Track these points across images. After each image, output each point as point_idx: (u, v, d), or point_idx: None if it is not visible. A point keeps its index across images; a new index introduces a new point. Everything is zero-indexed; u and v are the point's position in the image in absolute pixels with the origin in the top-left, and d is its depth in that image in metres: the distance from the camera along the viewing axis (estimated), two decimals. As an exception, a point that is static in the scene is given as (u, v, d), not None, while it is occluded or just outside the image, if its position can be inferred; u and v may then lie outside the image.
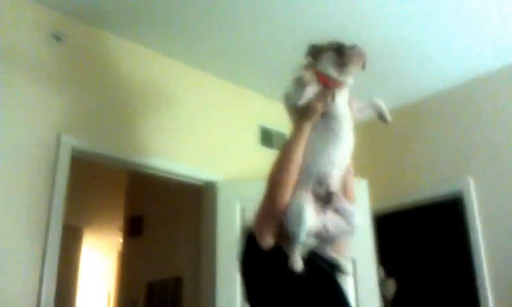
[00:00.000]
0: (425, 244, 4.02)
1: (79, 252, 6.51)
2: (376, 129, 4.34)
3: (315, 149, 1.97)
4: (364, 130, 4.41)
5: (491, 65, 3.64)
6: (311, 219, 1.86)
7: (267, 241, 1.76)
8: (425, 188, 3.87)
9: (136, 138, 3.20)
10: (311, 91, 2.00)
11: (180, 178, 3.41)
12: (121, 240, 5.63)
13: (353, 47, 2.05)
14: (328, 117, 2.00)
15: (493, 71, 3.67)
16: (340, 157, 2.05)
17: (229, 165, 3.60)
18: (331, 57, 2.08)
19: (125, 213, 5.45)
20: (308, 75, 2.05)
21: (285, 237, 1.81)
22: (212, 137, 3.59)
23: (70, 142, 2.85)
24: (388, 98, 4.25)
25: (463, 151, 3.75)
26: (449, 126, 3.88)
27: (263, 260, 1.77)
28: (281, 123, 4.09)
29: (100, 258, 7.19)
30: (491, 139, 3.62)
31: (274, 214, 1.78)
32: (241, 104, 3.90)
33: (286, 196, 1.81)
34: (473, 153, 3.69)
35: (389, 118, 2.17)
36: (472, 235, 3.53)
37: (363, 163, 4.28)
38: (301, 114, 1.95)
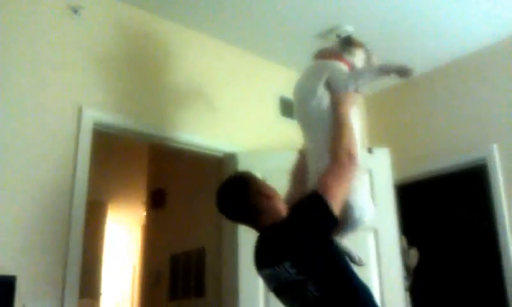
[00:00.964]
0: (449, 213, 3.98)
1: (104, 225, 6.62)
2: (397, 97, 4.29)
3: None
4: (386, 98, 4.38)
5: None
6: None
7: (337, 211, 1.75)
8: (448, 156, 3.80)
9: (156, 111, 3.20)
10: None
11: (201, 150, 3.42)
12: (144, 213, 5.70)
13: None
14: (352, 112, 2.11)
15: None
16: None
17: (249, 137, 3.59)
18: (362, 58, 2.26)
19: (148, 186, 5.51)
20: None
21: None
22: (233, 108, 3.58)
23: (92, 115, 2.86)
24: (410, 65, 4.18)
25: (487, 117, 3.67)
26: (473, 92, 3.79)
27: (333, 226, 1.77)
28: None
29: (125, 231, 7.31)
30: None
31: (346, 186, 1.80)
32: (261, 75, 3.87)
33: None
34: (498, 119, 3.61)
35: None
36: (497, 203, 3.48)
37: (385, 131, 4.25)
38: (345, 100, 2.04)
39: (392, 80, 4.13)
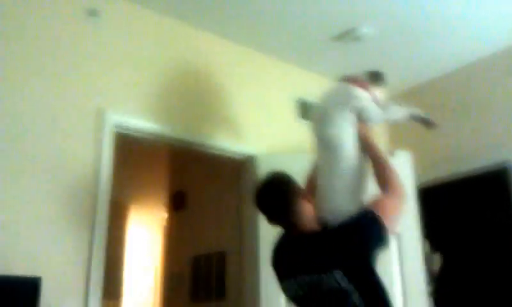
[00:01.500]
0: (472, 216, 3.91)
1: (125, 227, 6.67)
2: (420, 98, 4.24)
3: None
4: (408, 100, 4.33)
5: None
6: None
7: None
8: (471, 159, 3.76)
9: (177, 114, 3.22)
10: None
11: (222, 153, 3.43)
12: (165, 215, 5.73)
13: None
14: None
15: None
16: None
17: (269, 139, 3.59)
18: (381, 95, 2.39)
19: (169, 188, 5.55)
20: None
21: None
22: (252, 110, 3.59)
23: (114, 118, 2.90)
24: (432, 66, 4.19)
25: (509, 119, 3.61)
26: (495, 94, 3.74)
27: (386, 246, 1.85)
28: (319, 94, 4.05)
29: (146, 232, 7.36)
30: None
31: (398, 215, 1.93)
32: (280, 77, 3.87)
33: None
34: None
35: None
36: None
37: (407, 135, 4.20)
38: (368, 131, 2.20)
39: (414, 79, 4.13)
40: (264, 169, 3.32)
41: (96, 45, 2.97)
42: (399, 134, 4.28)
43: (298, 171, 2.40)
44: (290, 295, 1.91)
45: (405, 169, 3.45)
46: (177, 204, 5.23)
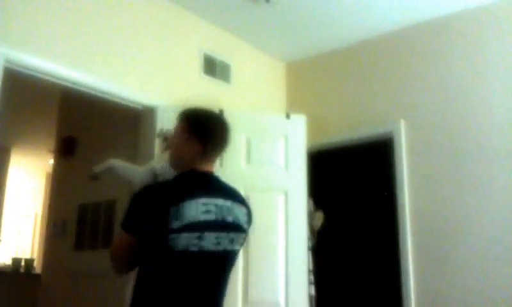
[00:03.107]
0: (356, 182, 4.21)
1: (6, 172, 6.30)
2: (317, 67, 4.43)
3: None
4: (306, 67, 4.52)
5: (430, 12, 3.74)
6: None
7: None
8: (360, 128, 4.01)
9: (76, 54, 3.04)
10: None
11: (118, 100, 3.32)
12: (51, 160, 5.49)
13: None
14: None
15: (431, 19, 3.79)
16: None
17: (170, 92, 3.54)
18: None
19: (58, 132, 5.30)
20: None
21: None
22: (154, 60, 3.50)
23: (3, 51, 2.69)
24: (328, 39, 4.36)
25: (398, 93, 3.89)
26: (387, 69, 3.99)
27: None
28: (226, 53, 4.07)
29: (29, 178, 6.99)
30: (425, 83, 3.76)
31: None
32: (189, 30, 3.81)
33: None
34: (407, 96, 3.83)
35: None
36: (398, 176, 3.73)
37: (303, 99, 4.39)
38: None
39: (317, 47, 4.28)
40: (163, 121, 3.29)
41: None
42: (296, 98, 4.45)
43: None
44: (190, 217, 1.75)
45: (298, 132, 3.63)
46: (66, 150, 5.02)
